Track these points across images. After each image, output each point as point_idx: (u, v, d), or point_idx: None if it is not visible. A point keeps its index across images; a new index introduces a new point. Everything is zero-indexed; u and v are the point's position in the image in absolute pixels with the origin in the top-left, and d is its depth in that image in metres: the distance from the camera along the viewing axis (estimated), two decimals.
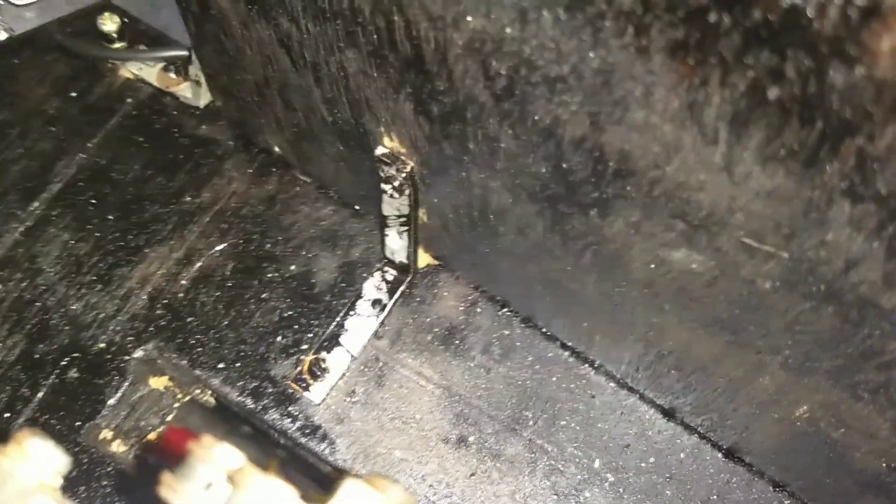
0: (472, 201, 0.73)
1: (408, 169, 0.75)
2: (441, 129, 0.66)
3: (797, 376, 0.63)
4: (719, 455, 0.82)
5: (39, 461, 0.46)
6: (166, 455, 0.88)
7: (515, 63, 0.54)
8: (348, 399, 0.83)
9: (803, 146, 0.45)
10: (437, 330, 0.86)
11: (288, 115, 0.83)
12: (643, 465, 0.82)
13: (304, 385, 0.83)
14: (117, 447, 0.86)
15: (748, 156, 0.48)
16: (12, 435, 0.48)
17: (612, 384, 0.84)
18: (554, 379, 0.84)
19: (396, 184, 0.75)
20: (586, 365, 0.85)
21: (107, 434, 0.86)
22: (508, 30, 0.52)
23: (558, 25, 0.49)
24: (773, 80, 0.42)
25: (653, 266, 0.63)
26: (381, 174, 0.76)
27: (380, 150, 0.75)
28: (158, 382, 0.90)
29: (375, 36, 0.62)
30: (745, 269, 0.56)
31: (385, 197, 0.78)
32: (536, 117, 0.57)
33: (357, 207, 0.92)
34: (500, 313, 0.87)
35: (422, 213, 0.81)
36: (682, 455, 0.82)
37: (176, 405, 0.91)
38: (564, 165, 0.60)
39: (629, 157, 0.55)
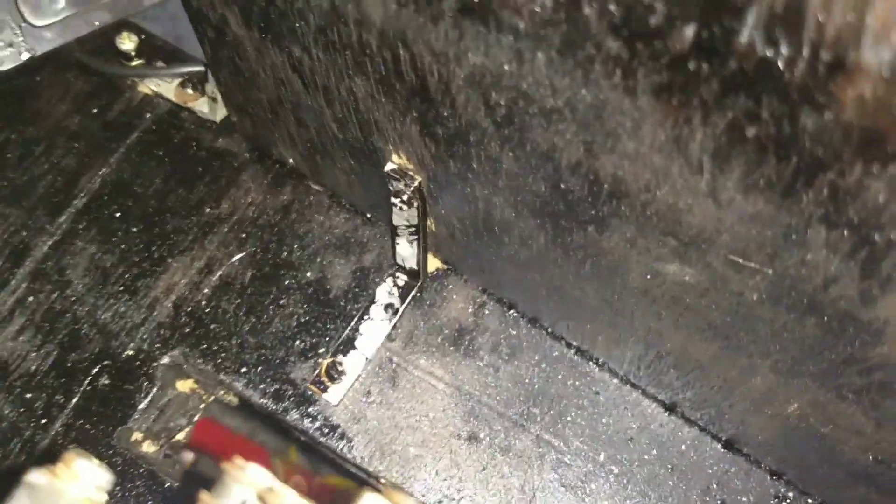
0: (478, 214, 0.77)
1: (416, 183, 0.78)
2: (446, 149, 0.70)
3: (786, 378, 0.67)
4: (719, 446, 0.86)
5: (86, 479, 0.50)
6: (194, 445, 0.93)
7: (514, 95, 0.58)
8: (364, 399, 0.88)
9: (780, 178, 0.48)
10: (447, 332, 0.90)
11: (300, 132, 0.87)
12: (646, 457, 0.86)
13: (323, 387, 0.87)
14: (148, 447, 0.91)
15: (731, 185, 0.51)
16: (61, 456, 0.52)
17: (615, 381, 0.88)
18: (560, 377, 0.88)
19: (405, 197, 0.79)
20: (591, 363, 0.89)
21: (138, 436, 0.90)
22: (506, 67, 0.56)
23: (552, 66, 0.53)
24: (749, 121, 0.46)
25: (648, 277, 0.67)
26: (391, 188, 0.80)
27: (389, 166, 0.79)
28: (185, 385, 0.95)
29: (382, 67, 0.65)
30: (733, 283, 0.60)
31: (395, 209, 0.81)
32: (535, 143, 0.61)
33: (368, 215, 0.96)
34: (507, 314, 0.91)
35: (430, 223, 0.85)
36: (682, 447, 0.86)
37: (202, 405, 0.96)
38: (562, 186, 0.64)
39: (622, 182, 0.58)
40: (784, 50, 0.40)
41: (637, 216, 0.61)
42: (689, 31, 0.43)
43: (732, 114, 0.46)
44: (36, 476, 0.50)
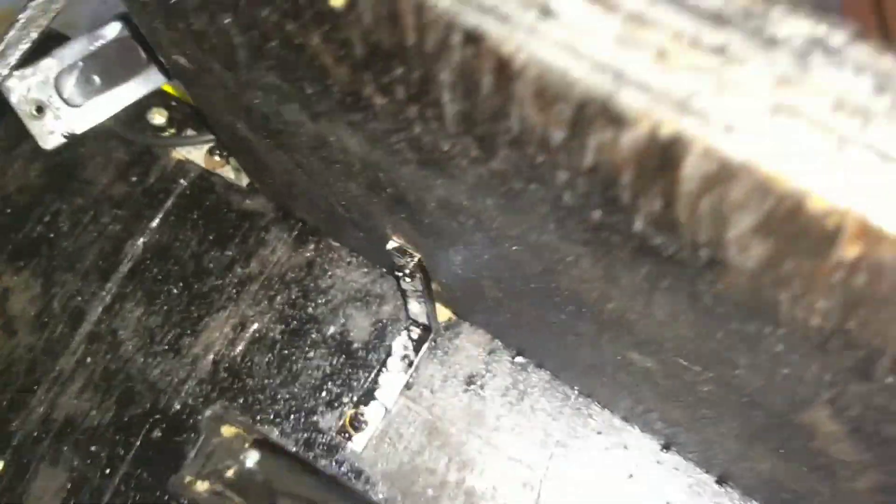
0: (472, 288, 0.84)
1: (416, 259, 0.86)
2: (434, 241, 0.77)
3: (749, 447, 0.73)
4: (713, 481, 0.92)
5: None
6: None
7: (475, 221, 0.64)
8: (386, 446, 0.97)
9: (698, 319, 0.54)
10: (460, 378, 0.98)
11: (313, 209, 0.94)
12: (644, 489, 0.93)
13: (347, 436, 0.96)
14: (200, 487, 1.02)
15: (660, 312, 0.57)
16: None
17: (616, 421, 0.95)
18: (564, 419, 0.95)
19: (408, 271, 0.87)
20: (594, 405, 0.96)
21: (190, 479, 1.02)
22: (465, 202, 0.62)
23: (500, 209, 0.59)
24: (661, 277, 0.52)
25: (619, 358, 0.73)
26: (395, 262, 0.87)
27: (391, 245, 0.86)
28: (229, 431, 1.05)
29: (366, 182, 0.72)
30: (686, 376, 0.66)
31: (400, 279, 0.89)
32: (503, 254, 0.68)
33: (384, 269, 1.04)
34: (515, 360, 0.98)
35: (435, 286, 0.93)
36: (677, 482, 0.93)
37: (247, 445, 1.06)
38: (532, 286, 0.70)
39: (579, 294, 0.64)
40: (670, 243, 0.46)
41: (597, 318, 0.67)
42: (597, 214, 0.49)
43: (646, 269, 0.52)
44: None
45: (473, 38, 0.41)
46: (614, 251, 0.52)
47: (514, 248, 0.64)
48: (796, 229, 0.38)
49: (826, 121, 0.35)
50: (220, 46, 0.64)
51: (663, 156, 0.39)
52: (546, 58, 0.39)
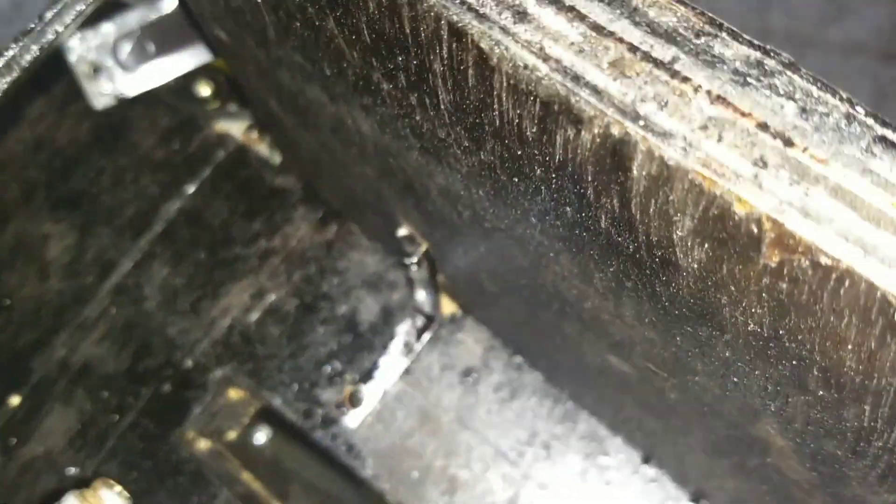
0: (474, 281, 0.88)
1: (423, 248, 0.90)
2: (438, 231, 0.81)
3: (714, 462, 0.75)
4: (687, 498, 0.94)
5: None
6: None
7: (472, 210, 0.68)
8: (379, 425, 1.01)
9: (660, 320, 0.57)
10: (457, 370, 1.02)
11: (336, 190, 0.99)
12: (619, 500, 0.95)
13: (344, 412, 1.01)
14: (201, 444, 1.07)
15: (628, 315, 0.60)
16: (91, 484, 0.67)
17: (601, 429, 0.97)
18: (551, 421, 0.98)
19: (415, 259, 0.91)
20: (582, 412, 0.98)
21: (193, 434, 1.07)
22: (462, 192, 0.66)
23: (489, 199, 0.63)
24: (626, 275, 0.55)
25: (600, 360, 0.76)
26: (405, 249, 0.91)
27: (401, 232, 0.90)
28: (235, 393, 1.10)
29: (379, 167, 0.77)
30: (655, 381, 0.69)
31: (409, 267, 0.93)
32: (495, 245, 0.71)
33: (397, 258, 1.08)
34: (511, 359, 1.02)
35: (441, 278, 0.97)
36: (656, 496, 0.95)
37: (251, 409, 1.11)
38: (522, 282, 0.74)
39: (561, 293, 0.68)
40: (630, 242, 0.49)
41: (578, 317, 0.70)
42: (569, 211, 0.53)
43: (613, 268, 0.55)
44: (71, 500, 0.66)
45: (457, 32, 0.45)
46: (586, 248, 0.56)
47: (504, 240, 0.68)
48: (727, 234, 0.41)
49: (754, 136, 0.38)
50: (253, 23, 0.69)
51: (616, 154, 0.43)
52: (517, 54, 0.43)
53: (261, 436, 1.06)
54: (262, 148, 1.14)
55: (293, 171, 1.11)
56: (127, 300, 1.10)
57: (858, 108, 0.38)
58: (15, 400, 1.06)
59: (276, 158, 1.14)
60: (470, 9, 0.44)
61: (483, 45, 0.44)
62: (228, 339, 1.07)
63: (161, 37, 1.09)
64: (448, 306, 1.05)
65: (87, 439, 1.04)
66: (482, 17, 0.43)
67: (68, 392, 1.06)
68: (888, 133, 0.37)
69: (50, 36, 0.81)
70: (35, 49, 0.80)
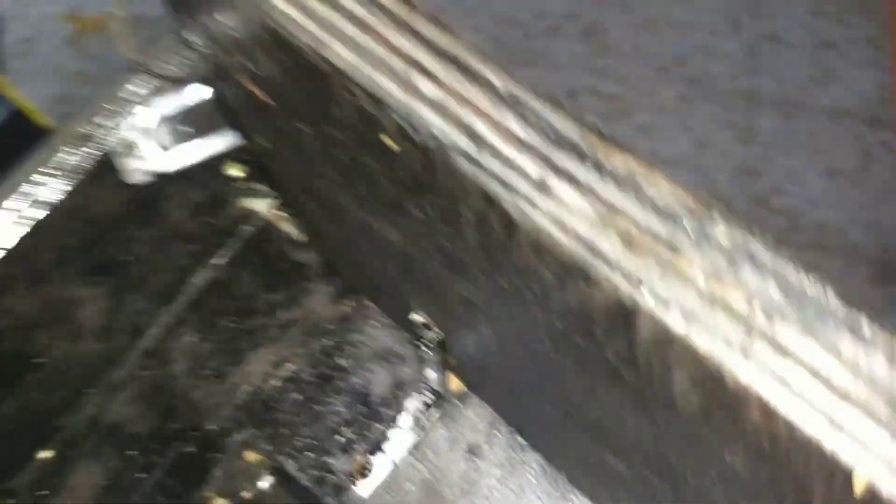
0: (481, 369, 0.95)
1: (434, 333, 0.96)
2: (452, 324, 0.88)
3: None
4: None
5: None
6: None
7: (487, 318, 0.75)
8: (388, 496, 1.07)
9: (656, 437, 0.63)
10: (462, 446, 1.08)
11: (356, 274, 1.06)
12: None
13: (354, 481, 1.07)
14: (218, 503, 1.13)
15: (629, 425, 0.67)
16: None
17: None
18: (552, 499, 1.04)
19: (427, 342, 0.98)
20: (582, 496, 1.04)
21: (211, 494, 1.13)
22: (480, 305, 0.73)
23: (506, 316, 0.69)
24: (629, 398, 0.61)
25: (599, 458, 0.83)
26: (417, 332, 0.98)
27: (415, 317, 0.97)
28: (252, 456, 1.16)
29: (402, 264, 0.83)
30: (651, 482, 0.75)
31: (420, 347, 1.00)
32: (508, 348, 0.78)
33: (409, 335, 1.15)
34: (514, 439, 1.08)
35: (451, 359, 1.03)
36: None
37: (264, 471, 1.17)
38: (530, 381, 0.80)
39: (567, 398, 0.74)
40: (634, 376, 0.56)
41: (582, 420, 0.77)
42: (579, 339, 0.59)
43: (617, 391, 0.62)
44: None
45: (488, 198, 0.52)
46: (592, 370, 0.62)
47: (516, 347, 0.74)
48: (719, 393, 0.47)
49: (742, 312, 0.45)
50: (294, 141, 0.76)
51: (624, 313, 0.49)
52: (539, 222, 0.50)
53: (274, 498, 1.12)
54: (286, 225, 1.22)
55: (314, 249, 1.18)
56: (155, 364, 1.16)
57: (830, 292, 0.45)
58: (46, 454, 1.12)
59: (299, 236, 1.21)
60: (502, 181, 0.51)
61: (508, 208, 0.51)
62: (248, 405, 1.14)
63: (196, 119, 1.17)
64: (456, 383, 1.11)
65: (113, 495, 1.10)
66: (509, 187, 0.51)
67: (97, 449, 1.12)
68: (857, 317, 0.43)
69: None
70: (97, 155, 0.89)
